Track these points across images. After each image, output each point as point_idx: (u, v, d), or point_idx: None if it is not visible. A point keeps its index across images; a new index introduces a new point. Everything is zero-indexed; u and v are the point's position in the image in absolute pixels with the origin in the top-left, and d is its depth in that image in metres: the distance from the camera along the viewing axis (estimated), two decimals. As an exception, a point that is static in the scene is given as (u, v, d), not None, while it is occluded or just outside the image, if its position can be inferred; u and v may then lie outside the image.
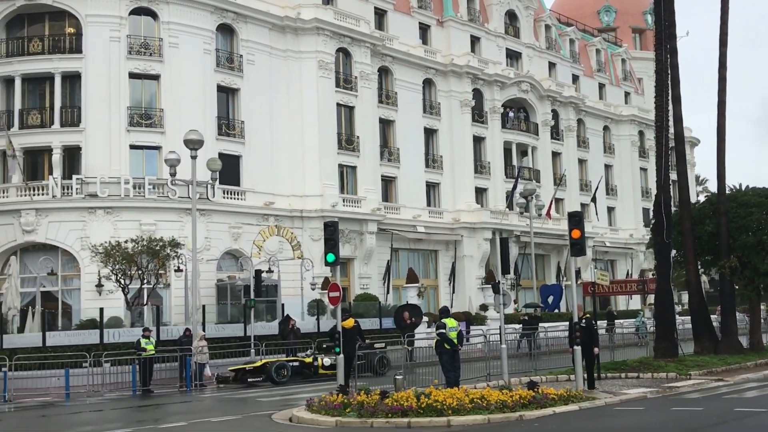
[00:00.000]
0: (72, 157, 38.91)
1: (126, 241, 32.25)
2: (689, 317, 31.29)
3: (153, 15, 39.87)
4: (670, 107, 29.35)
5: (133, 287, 32.75)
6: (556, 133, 61.70)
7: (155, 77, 39.60)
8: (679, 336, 29.00)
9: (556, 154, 61.66)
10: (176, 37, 39.88)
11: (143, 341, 26.75)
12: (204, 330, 29.71)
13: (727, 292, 30.56)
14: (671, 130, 29.76)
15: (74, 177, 37.15)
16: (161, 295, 36.95)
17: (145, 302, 34.22)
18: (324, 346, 28.99)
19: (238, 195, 41.36)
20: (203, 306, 31.82)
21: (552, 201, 56.90)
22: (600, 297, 40.18)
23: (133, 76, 39.14)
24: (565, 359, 24.48)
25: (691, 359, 26.28)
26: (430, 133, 52.70)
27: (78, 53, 38.86)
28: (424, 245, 50.39)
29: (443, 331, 20.49)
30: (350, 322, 23.20)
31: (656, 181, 29.50)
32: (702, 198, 45.53)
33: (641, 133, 70.40)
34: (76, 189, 36.87)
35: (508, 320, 33.11)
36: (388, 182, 49.63)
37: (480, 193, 54.95)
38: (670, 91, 29.22)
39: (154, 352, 26.97)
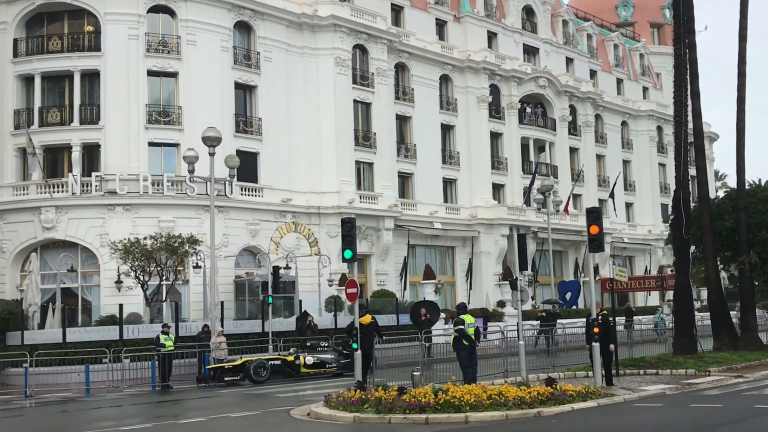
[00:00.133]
0: (91, 154, 39.16)
1: (145, 238, 32.48)
2: (708, 313, 31.17)
3: (171, 13, 40.07)
4: (689, 102, 29.18)
5: (152, 284, 33.06)
6: (573, 129, 61.49)
7: (173, 75, 39.82)
8: (698, 332, 28.87)
9: (573, 150, 61.45)
10: (194, 35, 40.08)
11: (162, 337, 26.93)
12: (222, 326, 29.86)
13: (746, 288, 30.40)
14: (690, 125, 29.54)
15: (93, 174, 37.41)
16: (180, 292, 37.14)
17: (163, 298, 34.51)
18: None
19: (255, 192, 41.51)
20: (221, 302, 31.94)
21: (570, 197, 56.64)
22: (618, 293, 40.02)
23: (151, 73, 39.35)
24: (583, 356, 24.39)
25: (711, 356, 26.13)
26: (446, 129, 52.64)
27: (97, 51, 39.10)
28: (441, 241, 50.38)
29: (462, 327, 20.50)
30: (368, 319, 23.26)
31: (675, 176, 29.36)
32: (721, 193, 45.35)
33: (659, 129, 69.93)
34: (96, 186, 37.12)
35: (526, 317, 33.04)
36: (404, 178, 49.62)
37: (497, 189, 54.85)
38: (688, 86, 29.06)
39: (173, 348, 27.17)
